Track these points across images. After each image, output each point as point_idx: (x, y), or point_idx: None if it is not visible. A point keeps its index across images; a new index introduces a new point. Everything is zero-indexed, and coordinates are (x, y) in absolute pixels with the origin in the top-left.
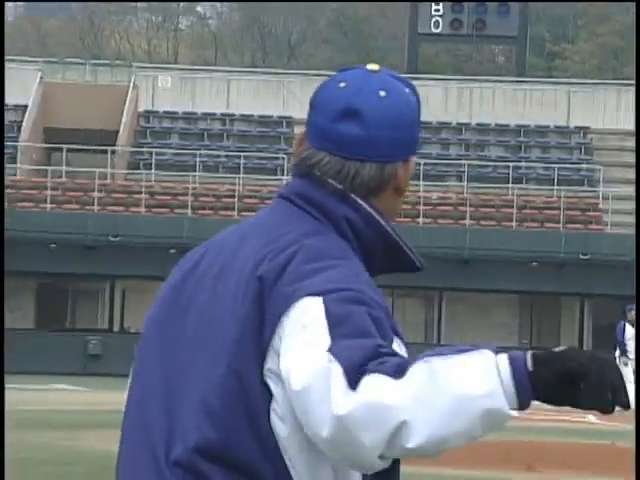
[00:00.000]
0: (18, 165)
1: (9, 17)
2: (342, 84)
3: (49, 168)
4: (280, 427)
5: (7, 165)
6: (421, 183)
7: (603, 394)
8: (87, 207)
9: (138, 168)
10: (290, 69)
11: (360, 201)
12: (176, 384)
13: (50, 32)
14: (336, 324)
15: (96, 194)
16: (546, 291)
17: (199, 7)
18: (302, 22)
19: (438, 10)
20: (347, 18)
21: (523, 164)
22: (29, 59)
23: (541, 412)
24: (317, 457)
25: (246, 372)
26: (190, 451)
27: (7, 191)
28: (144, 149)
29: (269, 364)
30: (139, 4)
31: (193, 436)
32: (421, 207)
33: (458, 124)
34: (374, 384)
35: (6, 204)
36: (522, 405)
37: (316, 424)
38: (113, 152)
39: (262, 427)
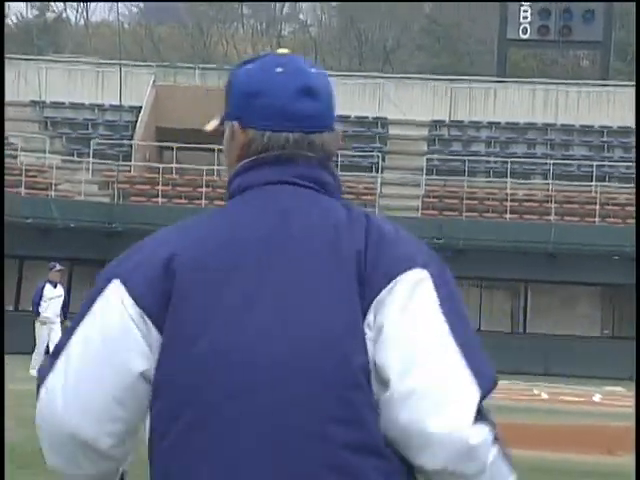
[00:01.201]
0: (132, 162)
1: (125, 24)
2: (278, 69)
3: (160, 165)
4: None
5: (122, 162)
6: (508, 180)
7: None
8: (195, 201)
9: None
10: (385, 73)
11: (333, 170)
12: None
13: (162, 38)
14: (450, 311)
15: (204, 189)
16: (627, 284)
17: (301, 15)
18: (396, 29)
19: (526, 17)
20: (439, 24)
21: (606, 163)
22: (143, 64)
23: (625, 398)
24: None
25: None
26: None
27: (121, 186)
28: None
29: (370, 318)
30: (245, 11)
31: None
32: (508, 203)
33: (544, 125)
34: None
35: (120, 200)
36: None
37: (438, 450)
38: (220, 150)
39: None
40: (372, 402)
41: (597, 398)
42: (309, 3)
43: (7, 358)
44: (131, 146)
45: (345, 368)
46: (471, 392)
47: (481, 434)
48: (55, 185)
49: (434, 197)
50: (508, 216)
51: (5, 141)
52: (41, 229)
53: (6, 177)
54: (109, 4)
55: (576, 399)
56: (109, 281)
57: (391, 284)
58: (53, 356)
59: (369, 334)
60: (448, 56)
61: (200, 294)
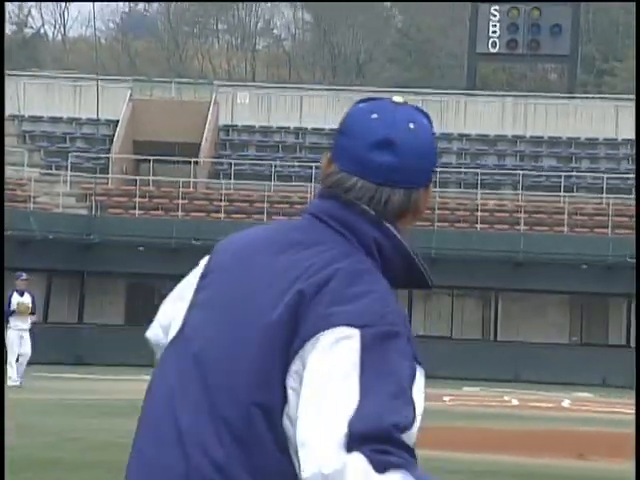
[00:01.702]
0: (110, 175)
1: (102, 39)
2: (374, 115)
3: (137, 178)
4: (289, 429)
5: (100, 175)
6: (479, 191)
7: None
8: (172, 213)
9: (218, 177)
10: (358, 86)
11: (389, 226)
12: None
13: (139, 53)
14: (369, 369)
15: (180, 201)
16: (595, 292)
17: (275, 30)
18: (369, 42)
19: (495, 31)
20: (410, 38)
21: (574, 174)
22: (120, 78)
23: (593, 404)
24: None
25: (272, 372)
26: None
27: (99, 198)
28: (224, 160)
29: (295, 367)
30: (220, 26)
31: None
32: (479, 213)
33: (513, 137)
34: None
35: (98, 212)
36: None
37: None
38: (196, 163)
39: (279, 428)
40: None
41: (566, 404)
42: (283, 18)
43: None
44: (108, 159)
45: (240, 405)
46: (332, 428)
47: (336, 464)
48: (34, 197)
49: None
50: (479, 226)
51: None
52: (20, 241)
53: None
54: (86, 20)
55: (546, 405)
56: None
57: (316, 337)
58: None
59: (292, 384)
60: (419, 69)
61: (208, 283)
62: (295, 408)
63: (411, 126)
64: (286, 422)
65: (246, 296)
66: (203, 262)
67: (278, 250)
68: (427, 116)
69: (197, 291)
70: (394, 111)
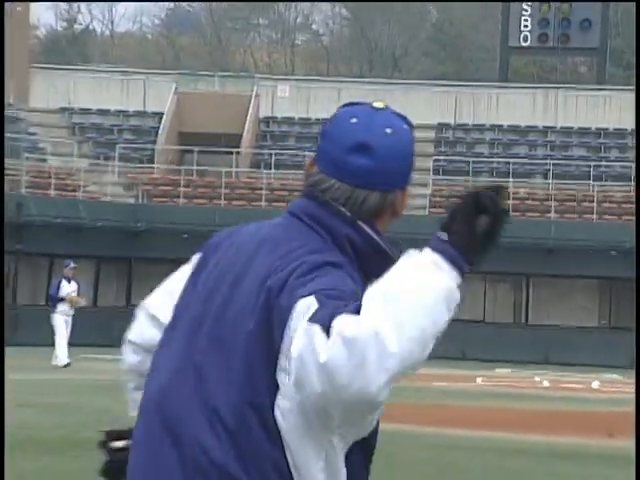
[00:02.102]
0: (155, 165)
1: (148, 35)
2: (353, 120)
3: (182, 168)
4: (281, 422)
5: (146, 165)
6: (510, 180)
7: (493, 202)
8: (215, 202)
9: (259, 167)
10: (394, 79)
11: (363, 225)
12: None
13: (183, 48)
14: (321, 306)
15: (223, 190)
16: (623, 277)
17: (314, 25)
18: (404, 37)
19: (527, 25)
20: (444, 33)
21: (603, 163)
22: (165, 72)
23: (622, 385)
24: (313, 450)
25: (260, 373)
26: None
27: (145, 187)
28: (265, 151)
29: (281, 364)
30: (261, 21)
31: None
32: (510, 202)
33: (544, 127)
34: (340, 322)
35: (144, 200)
36: (461, 267)
37: (311, 383)
38: (237, 153)
39: (269, 421)
40: None
41: (595, 385)
42: (321, 14)
43: (37, 350)
44: (154, 150)
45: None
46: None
47: (328, 351)
48: (83, 187)
49: (440, 196)
50: (511, 213)
51: (35, 146)
52: (69, 228)
53: (37, 180)
54: (133, 16)
55: (575, 386)
56: None
57: (287, 327)
58: None
59: (283, 379)
60: (453, 63)
61: (204, 268)
62: (285, 396)
63: (388, 131)
64: (277, 413)
65: (232, 304)
66: (195, 259)
67: (260, 249)
68: (407, 121)
69: (190, 287)
70: (373, 116)
